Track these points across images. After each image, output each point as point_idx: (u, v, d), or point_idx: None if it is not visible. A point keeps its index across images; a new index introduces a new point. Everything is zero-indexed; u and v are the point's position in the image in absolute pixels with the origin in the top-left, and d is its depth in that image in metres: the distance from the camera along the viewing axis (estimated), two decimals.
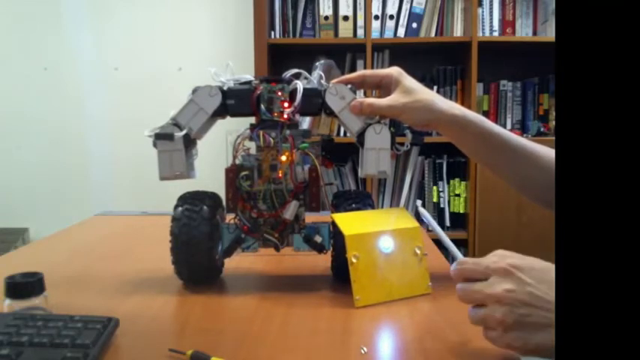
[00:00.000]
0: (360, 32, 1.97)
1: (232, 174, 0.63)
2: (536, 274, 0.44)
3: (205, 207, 0.62)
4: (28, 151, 2.22)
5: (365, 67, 1.95)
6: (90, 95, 2.21)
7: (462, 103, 1.79)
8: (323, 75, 0.66)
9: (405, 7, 1.98)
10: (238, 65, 0.63)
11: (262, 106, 0.62)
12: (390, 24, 1.99)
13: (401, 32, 1.98)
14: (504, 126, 1.80)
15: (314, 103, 0.63)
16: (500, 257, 0.46)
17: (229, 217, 0.65)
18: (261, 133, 0.62)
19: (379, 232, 0.60)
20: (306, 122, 1.95)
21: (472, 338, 0.50)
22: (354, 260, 0.58)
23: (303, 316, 0.56)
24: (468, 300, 0.46)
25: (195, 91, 0.62)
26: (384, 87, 0.67)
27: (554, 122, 1.99)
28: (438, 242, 0.92)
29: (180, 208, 0.62)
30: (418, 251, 0.62)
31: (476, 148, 0.71)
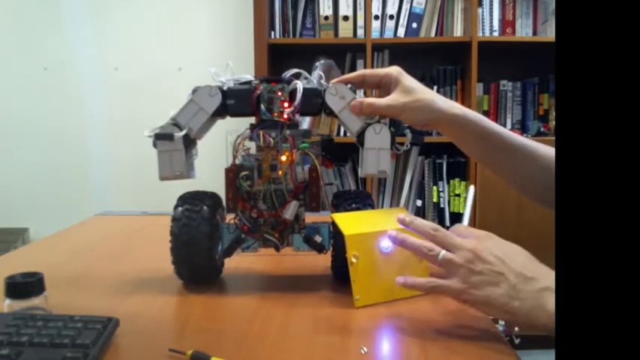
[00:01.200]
0: (360, 32, 1.97)
1: (232, 174, 0.63)
2: (507, 246, 0.53)
3: (205, 207, 0.62)
4: (28, 151, 2.22)
5: (365, 67, 1.95)
6: (90, 95, 2.21)
7: (462, 103, 1.79)
8: (323, 75, 0.66)
9: (405, 7, 1.98)
10: (238, 65, 0.63)
11: (262, 106, 0.62)
12: (390, 24, 1.99)
13: (401, 32, 1.98)
14: (504, 126, 1.80)
15: (314, 103, 0.63)
16: (484, 232, 0.55)
17: (229, 217, 0.65)
18: (261, 133, 0.62)
19: (379, 232, 0.60)
20: (306, 122, 1.95)
21: (472, 338, 0.50)
22: (353, 260, 0.58)
23: (303, 316, 0.56)
24: (441, 240, 0.54)
25: (195, 91, 0.62)
26: (383, 86, 0.67)
27: (554, 122, 1.99)
28: None
29: (180, 208, 0.62)
30: None
31: (476, 148, 0.71)
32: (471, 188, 0.77)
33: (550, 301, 0.46)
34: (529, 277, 0.49)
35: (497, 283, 0.49)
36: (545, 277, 0.48)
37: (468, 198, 0.74)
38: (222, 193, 0.66)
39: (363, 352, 0.47)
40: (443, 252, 0.53)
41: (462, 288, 0.50)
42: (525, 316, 0.47)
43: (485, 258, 0.50)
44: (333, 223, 0.62)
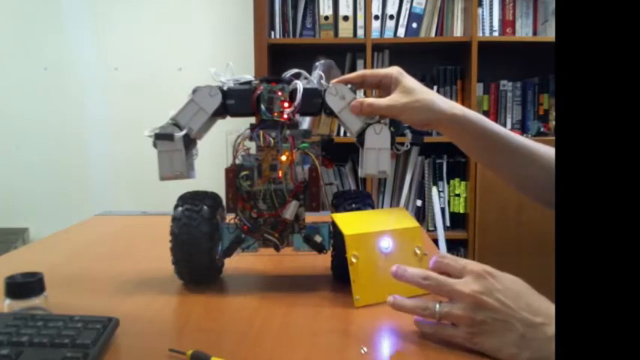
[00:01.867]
0: (360, 32, 1.97)
1: (232, 174, 0.63)
2: (507, 283, 0.47)
3: (205, 207, 0.62)
4: (28, 151, 2.22)
5: (365, 67, 1.95)
6: (90, 95, 2.21)
7: (462, 103, 1.79)
8: (323, 75, 0.66)
9: (405, 7, 1.97)
10: (238, 65, 0.63)
11: (262, 106, 0.62)
12: (390, 24, 1.99)
13: (401, 32, 1.98)
14: (504, 126, 1.80)
15: (314, 103, 0.63)
16: (478, 264, 0.49)
17: (229, 217, 0.65)
18: (261, 133, 0.62)
19: (379, 232, 0.60)
20: (306, 122, 1.94)
21: None
22: (353, 260, 0.58)
23: (303, 316, 0.56)
24: (435, 289, 0.50)
25: (195, 91, 0.62)
26: (383, 87, 0.67)
27: (554, 122, 1.99)
28: (438, 242, 0.91)
29: (180, 208, 0.62)
30: (418, 251, 0.62)
31: (476, 148, 0.71)
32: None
33: None
34: (537, 323, 0.45)
35: (503, 332, 0.45)
36: (551, 317, 0.45)
37: (438, 233, 0.68)
38: (222, 193, 0.66)
39: (363, 352, 0.47)
40: (438, 306, 0.49)
41: (468, 337, 0.47)
42: None
43: (488, 304, 0.46)
44: (333, 223, 0.62)
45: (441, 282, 0.49)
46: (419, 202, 2.04)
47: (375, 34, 1.96)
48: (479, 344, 0.46)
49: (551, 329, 0.44)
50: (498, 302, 0.46)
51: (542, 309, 0.46)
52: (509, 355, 0.45)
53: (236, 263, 0.72)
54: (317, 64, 0.69)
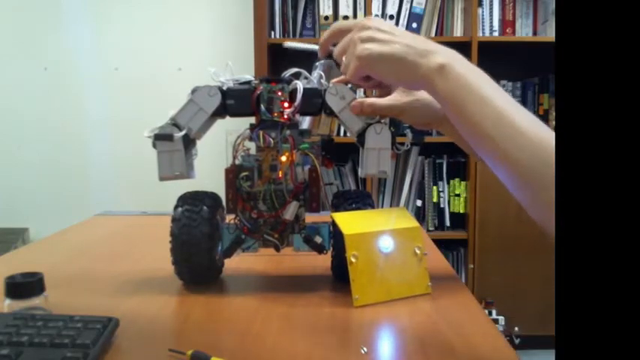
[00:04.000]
0: None
1: (232, 174, 0.63)
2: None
3: (205, 207, 0.62)
4: (28, 151, 2.23)
5: None
6: (90, 95, 2.21)
7: None
8: (323, 75, 0.66)
9: (405, 7, 1.98)
10: (238, 65, 0.63)
11: (262, 106, 0.62)
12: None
13: None
14: None
15: (314, 103, 0.63)
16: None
17: (229, 218, 0.65)
18: (261, 133, 0.62)
19: (379, 232, 0.60)
20: (306, 122, 1.95)
21: (472, 338, 0.50)
22: (353, 260, 0.58)
23: (303, 316, 0.56)
24: (340, 49, 0.58)
25: (194, 91, 0.62)
26: (384, 86, 0.67)
27: (554, 122, 1.99)
28: (438, 242, 0.92)
29: (180, 209, 0.62)
30: (418, 251, 0.62)
31: None
32: None
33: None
34: (425, 50, 0.53)
35: (389, 44, 0.53)
36: (439, 49, 0.53)
37: None
38: (222, 193, 0.66)
39: (363, 352, 0.47)
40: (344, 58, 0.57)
41: (357, 50, 0.54)
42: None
43: (371, 24, 0.55)
44: (333, 223, 0.62)
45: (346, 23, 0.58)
46: (419, 202, 2.04)
47: None
48: (364, 57, 0.54)
49: (440, 57, 0.52)
50: (381, 25, 0.55)
51: (426, 42, 0.54)
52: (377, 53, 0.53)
53: (236, 263, 0.72)
54: (317, 64, 0.69)
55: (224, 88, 0.63)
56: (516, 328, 1.94)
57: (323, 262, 0.68)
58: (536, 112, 2.04)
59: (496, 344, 0.49)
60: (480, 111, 0.48)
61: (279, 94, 0.62)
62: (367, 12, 1.94)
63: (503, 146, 0.46)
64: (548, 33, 1.95)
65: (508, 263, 1.93)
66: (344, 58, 0.57)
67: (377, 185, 2.06)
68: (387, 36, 0.53)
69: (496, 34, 1.98)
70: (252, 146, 0.63)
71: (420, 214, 2.04)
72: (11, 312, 0.49)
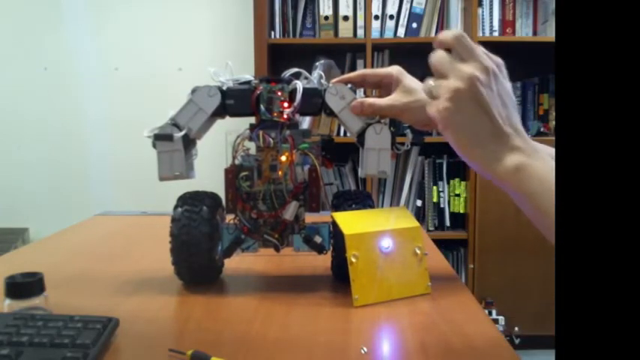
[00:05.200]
0: (360, 32, 1.97)
1: (232, 174, 0.63)
2: (505, 90, 0.48)
3: (205, 207, 0.62)
4: (28, 151, 2.23)
5: (365, 67, 1.95)
6: (90, 95, 2.21)
7: None
8: (323, 75, 0.66)
9: (405, 7, 1.98)
10: (238, 65, 0.63)
11: (262, 106, 0.62)
12: (390, 24, 1.99)
13: (401, 32, 1.98)
14: None
15: (314, 103, 0.63)
16: (491, 60, 0.48)
17: (229, 218, 0.65)
18: (260, 133, 0.62)
19: (379, 232, 0.60)
20: (306, 122, 1.95)
21: (472, 338, 0.50)
22: (353, 260, 0.58)
23: (303, 316, 0.56)
24: (437, 65, 0.48)
25: (194, 91, 0.62)
26: (384, 86, 0.67)
27: (554, 122, 1.99)
28: (438, 242, 0.92)
29: (179, 209, 0.62)
30: (418, 251, 0.62)
31: None
32: None
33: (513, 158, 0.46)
34: (505, 132, 0.46)
35: (476, 122, 0.46)
36: (519, 131, 0.47)
37: None
38: (221, 193, 0.66)
39: (363, 352, 0.47)
40: (432, 81, 0.48)
41: (440, 108, 0.47)
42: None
43: (479, 91, 0.46)
44: (333, 223, 0.62)
45: (448, 59, 0.48)
46: (419, 202, 2.04)
47: (375, 34, 1.96)
48: (447, 118, 0.46)
49: (516, 141, 0.46)
50: (488, 97, 0.46)
51: (515, 123, 0.47)
52: (466, 143, 0.47)
53: (236, 263, 0.72)
54: (317, 64, 0.69)
55: (224, 88, 0.63)
56: (516, 328, 1.94)
57: (323, 262, 0.68)
58: (536, 112, 2.04)
59: (496, 344, 0.49)
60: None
61: (279, 94, 0.62)
62: (367, 12, 1.94)
63: None
64: (548, 33, 1.95)
65: (508, 263, 1.93)
66: (431, 82, 0.48)
67: (377, 185, 2.06)
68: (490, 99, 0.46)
69: (496, 34, 1.98)
70: (252, 146, 0.63)
71: (420, 214, 2.04)
72: (11, 312, 0.49)
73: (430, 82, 0.48)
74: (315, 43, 1.99)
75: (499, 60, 0.49)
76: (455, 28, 0.58)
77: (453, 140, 0.48)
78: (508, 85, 0.49)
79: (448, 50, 0.49)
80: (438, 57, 0.48)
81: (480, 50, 0.48)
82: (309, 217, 0.65)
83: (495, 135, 0.46)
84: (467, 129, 0.46)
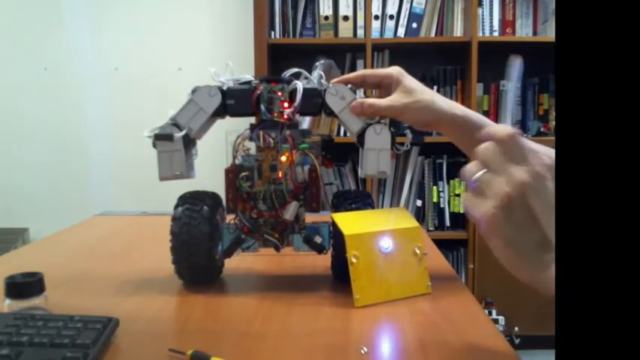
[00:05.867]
0: (360, 32, 1.97)
1: (232, 174, 0.63)
2: (553, 197, 0.43)
3: (206, 207, 0.62)
4: (28, 151, 2.23)
5: (365, 67, 1.95)
6: (90, 95, 2.21)
7: (462, 103, 1.79)
8: (323, 75, 0.66)
9: (405, 7, 1.98)
10: (238, 65, 0.63)
11: (262, 106, 0.62)
12: (390, 24, 1.99)
13: (401, 32, 1.98)
14: None
15: (314, 103, 0.63)
16: (549, 157, 0.44)
17: (229, 218, 0.65)
18: (261, 133, 0.62)
19: (379, 232, 0.60)
20: (306, 122, 1.95)
21: (472, 338, 0.50)
22: (353, 260, 0.58)
23: (303, 316, 0.56)
24: (487, 158, 0.44)
25: (194, 91, 0.62)
26: (384, 87, 0.67)
27: (554, 122, 1.99)
28: (438, 242, 0.92)
29: (180, 208, 0.62)
30: (418, 251, 0.62)
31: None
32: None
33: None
34: (551, 243, 0.42)
35: (525, 232, 0.42)
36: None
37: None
38: (222, 193, 0.66)
39: (363, 352, 0.47)
40: (481, 172, 0.44)
41: (489, 213, 0.42)
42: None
43: (532, 199, 0.41)
44: (333, 223, 0.62)
45: (501, 157, 0.44)
46: (419, 202, 2.04)
47: (375, 34, 1.96)
48: (494, 226, 0.42)
49: (551, 256, 0.42)
50: (539, 206, 0.41)
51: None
52: (513, 255, 0.42)
53: (236, 263, 0.72)
54: (317, 64, 0.69)
55: (224, 88, 0.63)
56: (516, 328, 1.94)
57: (323, 262, 0.68)
58: (536, 112, 2.04)
59: (496, 344, 0.49)
60: None
61: (279, 94, 0.62)
62: (367, 12, 1.94)
63: None
64: (548, 33, 1.95)
65: None
66: (479, 174, 0.45)
67: (377, 185, 2.06)
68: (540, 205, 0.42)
69: (496, 34, 1.98)
70: (252, 146, 0.63)
71: (420, 214, 2.04)
72: (11, 312, 0.49)
73: (478, 172, 0.45)
74: (315, 43, 1.99)
75: (548, 161, 0.44)
76: (507, 124, 0.50)
77: (496, 249, 0.44)
78: (553, 186, 0.43)
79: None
80: (487, 150, 0.45)
81: (532, 151, 0.44)
82: (309, 217, 0.65)
83: (543, 243, 0.42)
84: (515, 240, 0.42)
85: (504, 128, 0.44)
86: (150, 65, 2.19)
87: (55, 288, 0.54)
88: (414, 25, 1.98)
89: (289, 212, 0.62)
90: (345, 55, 2.02)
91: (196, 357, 0.45)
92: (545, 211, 0.42)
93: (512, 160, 0.43)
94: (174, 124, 0.62)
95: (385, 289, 0.60)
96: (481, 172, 0.45)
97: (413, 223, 0.64)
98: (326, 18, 1.98)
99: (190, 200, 0.63)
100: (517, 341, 1.94)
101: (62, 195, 2.23)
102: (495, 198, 0.42)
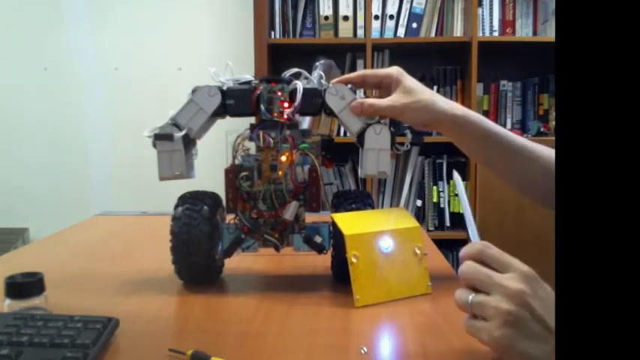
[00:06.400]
0: (360, 32, 1.97)
1: (232, 174, 0.63)
2: (549, 295, 0.42)
3: (206, 206, 0.62)
4: (28, 151, 2.22)
5: (365, 67, 1.95)
6: (90, 95, 2.21)
7: (462, 103, 1.78)
8: (323, 75, 0.66)
9: (405, 7, 1.98)
10: (238, 65, 0.63)
11: (262, 106, 0.62)
12: (390, 24, 1.99)
13: (401, 32, 1.98)
14: (504, 126, 1.80)
15: (314, 103, 0.63)
16: (524, 265, 0.44)
17: (229, 218, 0.65)
18: (261, 133, 0.62)
19: (379, 232, 0.60)
20: (306, 122, 1.95)
21: (472, 338, 0.50)
22: (354, 260, 0.58)
23: (303, 316, 0.56)
24: (471, 278, 0.44)
25: (194, 91, 0.62)
26: (384, 87, 0.67)
27: (554, 122, 1.99)
28: (438, 242, 0.92)
29: (180, 208, 0.62)
30: (418, 251, 0.62)
31: (476, 149, 0.71)
32: (456, 176, 0.63)
33: None
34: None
35: (536, 341, 0.40)
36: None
37: (459, 192, 0.58)
38: (222, 193, 0.66)
39: (363, 352, 0.47)
40: (471, 297, 0.44)
41: (496, 332, 0.41)
42: None
43: (533, 308, 0.41)
44: (333, 223, 0.62)
45: (485, 272, 0.44)
46: (419, 202, 2.04)
47: (375, 34, 1.96)
48: (508, 346, 0.41)
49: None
50: (542, 309, 0.41)
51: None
52: (520, 351, 0.40)
53: (236, 263, 0.72)
54: (317, 64, 0.69)
55: (224, 88, 0.63)
56: None
57: (323, 262, 0.68)
58: (536, 112, 2.04)
59: None
60: None
61: (279, 94, 0.62)
62: (367, 12, 1.94)
63: None
64: (548, 33, 1.94)
65: None
66: (470, 297, 0.44)
67: (377, 185, 2.06)
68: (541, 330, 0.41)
69: (496, 34, 1.98)
70: (252, 146, 0.63)
71: (420, 214, 2.04)
72: (11, 312, 0.49)
73: (469, 296, 0.44)
74: (315, 43, 1.98)
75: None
76: (474, 238, 0.49)
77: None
78: (547, 286, 0.43)
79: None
80: (470, 270, 0.44)
81: (508, 255, 0.44)
82: (309, 217, 0.65)
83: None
84: (532, 352, 0.40)
85: (473, 244, 0.45)
86: (150, 65, 2.18)
87: (55, 288, 0.54)
88: (414, 25, 1.98)
89: (289, 212, 0.62)
90: (345, 55, 2.02)
91: (196, 357, 0.45)
92: (547, 310, 0.41)
93: (499, 269, 0.43)
94: (174, 124, 0.62)
95: (385, 289, 0.60)
96: (472, 296, 0.44)
97: (413, 223, 0.64)
98: (326, 18, 1.98)
99: (190, 200, 0.63)
100: None
101: (62, 195, 2.23)
102: (496, 318, 0.41)
